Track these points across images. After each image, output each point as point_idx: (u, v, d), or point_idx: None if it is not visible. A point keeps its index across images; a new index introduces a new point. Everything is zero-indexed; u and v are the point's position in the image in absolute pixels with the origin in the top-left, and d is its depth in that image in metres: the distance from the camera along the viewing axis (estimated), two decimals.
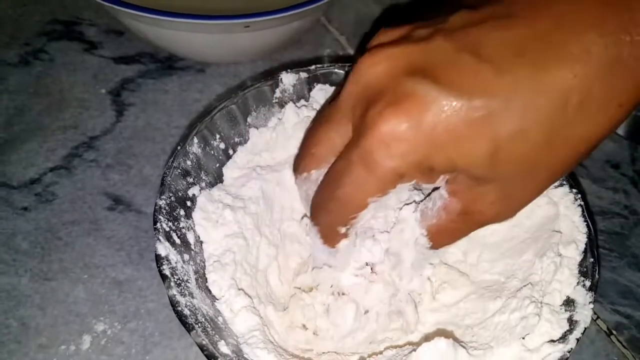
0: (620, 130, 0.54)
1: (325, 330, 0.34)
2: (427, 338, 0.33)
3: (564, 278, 0.32)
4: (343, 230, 0.29)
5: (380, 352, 0.33)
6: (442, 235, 0.30)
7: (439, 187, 0.28)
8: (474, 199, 0.27)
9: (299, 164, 0.32)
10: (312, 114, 0.38)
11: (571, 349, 0.29)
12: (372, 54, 0.26)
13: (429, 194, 0.31)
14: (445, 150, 0.24)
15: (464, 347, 0.31)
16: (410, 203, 0.31)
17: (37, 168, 0.48)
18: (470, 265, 0.37)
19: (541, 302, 0.32)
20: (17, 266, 0.42)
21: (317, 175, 0.30)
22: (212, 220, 0.34)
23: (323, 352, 0.34)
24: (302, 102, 0.40)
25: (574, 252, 0.33)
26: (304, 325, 0.35)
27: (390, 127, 0.24)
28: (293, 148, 0.38)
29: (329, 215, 0.29)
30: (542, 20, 0.24)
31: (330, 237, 0.30)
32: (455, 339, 0.33)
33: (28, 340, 0.38)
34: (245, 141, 0.39)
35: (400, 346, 0.34)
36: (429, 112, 0.23)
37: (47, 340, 0.38)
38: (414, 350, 0.31)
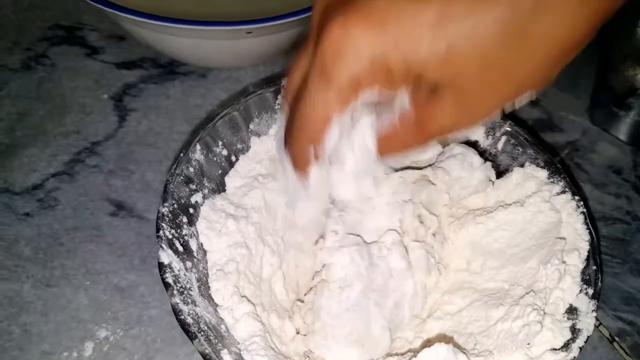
0: (623, 136, 0.54)
1: (314, 321, 0.34)
2: (428, 344, 0.33)
3: (566, 286, 0.32)
4: (312, 152, 0.29)
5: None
6: (390, 143, 0.29)
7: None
8: (429, 106, 0.26)
9: (284, 94, 0.32)
10: None
11: (574, 357, 0.29)
12: None
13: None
14: (399, 50, 0.24)
15: (464, 353, 0.31)
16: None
17: (39, 174, 0.48)
18: (474, 274, 0.37)
19: (544, 310, 0.32)
20: (19, 272, 0.42)
21: None
22: (216, 229, 0.34)
23: None
24: None
25: (576, 260, 0.33)
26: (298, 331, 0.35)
27: (340, 32, 0.24)
28: None
29: (297, 138, 0.29)
30: None
31: (300, 163, 0.30)
32: (457, 345, 0.33)
33: (30, 346, 0.38)
34: (248, 148, 0.39)
35: (402, 354, 0.34)
36: (380, 14, 0.24)
37: (49, 346, 0.38)
38: (414, 356, 0.31)
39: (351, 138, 0.29)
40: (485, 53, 0.24)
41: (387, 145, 0.29)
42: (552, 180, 0.37)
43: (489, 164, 0.40)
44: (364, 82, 0.25)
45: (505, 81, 0.25)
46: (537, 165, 0.38)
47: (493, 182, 0.40)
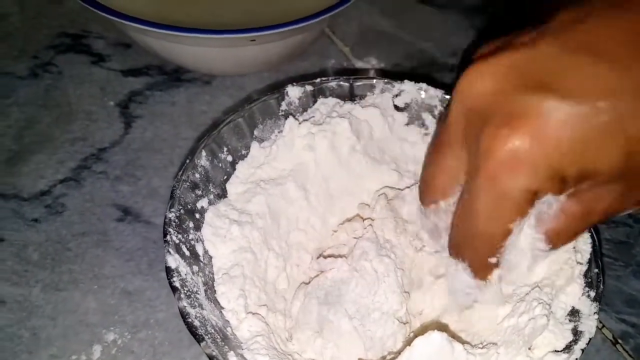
0: None
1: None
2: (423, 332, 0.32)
3: (568, 288, 0.32)
4: (494, 260, 0.28)
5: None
6: (562, 237, 0.28)
7: None
8: (596, 199, 0.25)
9: (425, 196, 0.31)
10: (314, 127, 0.39)
11: (576, 359, 0.30)
12: (474, 69, 0.25)
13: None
14: (576, 161, 0.23)
15: (461, 342, 0.31)
16: None
17: (47, 180, 0.48)
18: None
19: (550, 305, 0.32)
20: (28, 277, 0.42)
21: (445, 205, 0.30)
22: (220, 235, 0.35)
23: None
24: (305, 115, 0.40)
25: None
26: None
27: (509, 149, 0.23)
28: (295, 160, 0.38)
29: (477, 251, 0.28)
30: None
31: (481, 271, 0.29)
32: (453, 335, 0.33)
33: (39, 350, 0.38)
34: None
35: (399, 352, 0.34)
36: (549, 125, 0.22)
37: (58, 350, 0.39)
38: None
39: (517, 244, 0.29)
40: None
41: (559, 239, 0.28)
42: None
43: None
44: (540, 193, 0.24)
45: None
46: None
47: None
